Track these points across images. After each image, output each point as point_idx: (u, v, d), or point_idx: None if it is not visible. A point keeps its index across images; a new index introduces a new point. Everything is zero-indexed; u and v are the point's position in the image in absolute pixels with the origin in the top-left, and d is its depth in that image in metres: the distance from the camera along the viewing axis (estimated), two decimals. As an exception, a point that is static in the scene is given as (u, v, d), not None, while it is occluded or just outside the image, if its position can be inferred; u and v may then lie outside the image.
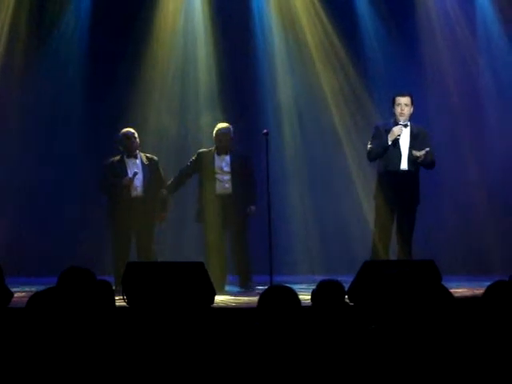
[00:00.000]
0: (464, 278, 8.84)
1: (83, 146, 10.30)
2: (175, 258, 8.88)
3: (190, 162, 9.15)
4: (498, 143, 10.45)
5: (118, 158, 8.93)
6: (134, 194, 8.83)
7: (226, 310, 6.80)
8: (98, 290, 4.20)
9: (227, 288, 8.79)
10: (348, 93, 10.35)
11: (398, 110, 8.37)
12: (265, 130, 8.49)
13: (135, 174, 8.79)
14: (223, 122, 9.19)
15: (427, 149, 8.30)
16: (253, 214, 9.02)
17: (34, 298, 3.70)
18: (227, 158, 8.98)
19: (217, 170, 8.95)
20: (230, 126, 9.02)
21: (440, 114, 10.35)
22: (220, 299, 7.39)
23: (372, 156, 8.48)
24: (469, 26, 10.51)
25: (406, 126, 8.37)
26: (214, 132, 8.99)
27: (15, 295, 6.64)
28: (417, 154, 8.30)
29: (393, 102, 8.43)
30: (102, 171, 8.97)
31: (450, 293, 3.87)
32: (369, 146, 8.47)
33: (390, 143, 8.32)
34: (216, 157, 8.99)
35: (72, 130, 10.33)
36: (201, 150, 9.12)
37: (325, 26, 10.34)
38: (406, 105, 8.37)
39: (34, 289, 7.56)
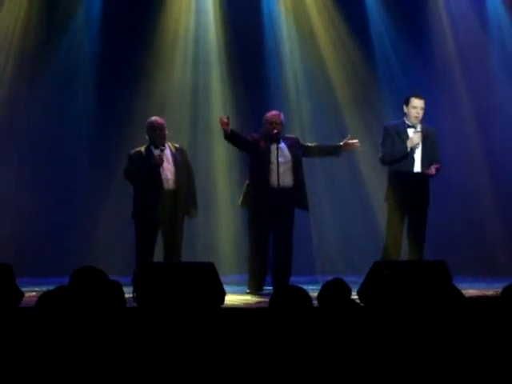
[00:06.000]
0: (474, 279, 8.81)
1: (93, 145, 10.34)
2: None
3: (250, 140, 8.45)
4: (510, 144, 10.40)
5: (144, 147, 8.37)
6: (166, 186, 8.25)
7: (236, 310, 6.80)
8: (109, 290, 4.21)
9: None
10: (357, 91, 10.35)
11: (413, 112, 8.28)
12: (275, 131, 8.37)
13: (162, 150, 8.23)
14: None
15: (437, 166, 8.27)
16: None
17: (44, 297, 3.71)
18: (282, 146, 8.32)
19: (273, 160, 8.22)
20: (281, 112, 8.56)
21: (450, 114, 10.31)
22: (230, 299, 7.37)
23: (387, 161, 8.39)
24: (480, 23, 10.47)
25: (419, 130, 8.27)
26: (266, 119, 8.40)
27: (26, 295, 6.67)
28: (430, 173, 8.27)
29: (406, 102, 8.33)
30: (127, 161, 8.39)
31: (461, 293, 3.86)
32: (381, 150, 8.40)
33: (408, 150, 8.26)
34: (271, 147, 8.30)
35: (82, 129, 10.35)
36: (254, 135, 8.46)
37: (335, 22, 10.36)
38: (422, 108, 8.30)
39: (44, 289, 7.56)
